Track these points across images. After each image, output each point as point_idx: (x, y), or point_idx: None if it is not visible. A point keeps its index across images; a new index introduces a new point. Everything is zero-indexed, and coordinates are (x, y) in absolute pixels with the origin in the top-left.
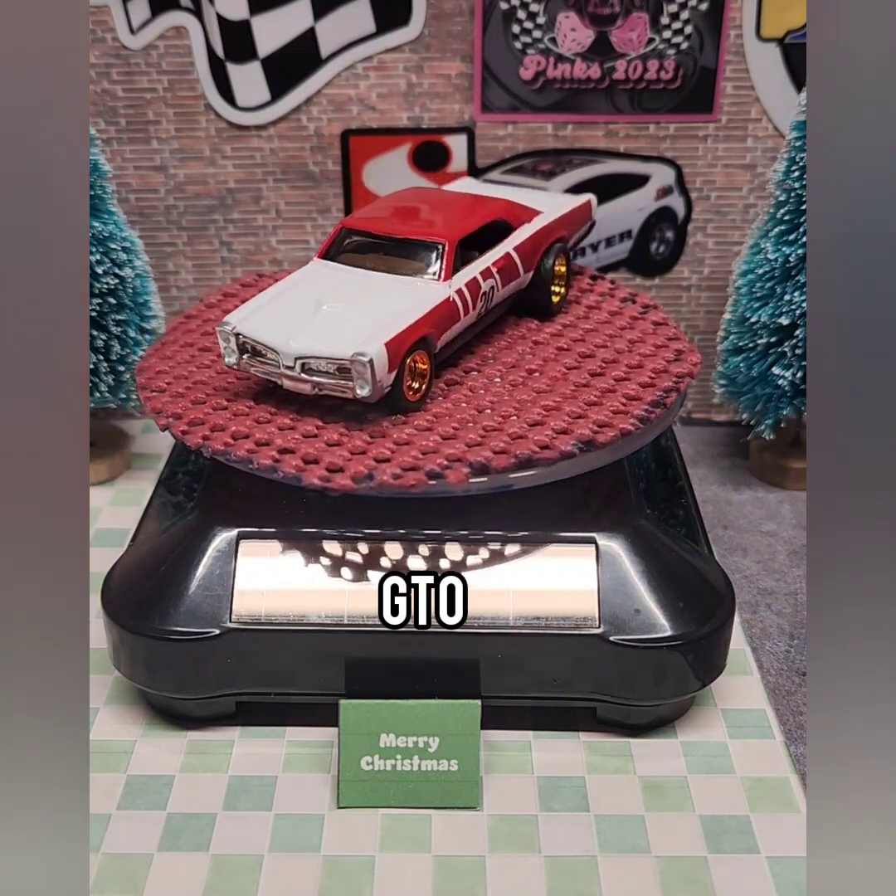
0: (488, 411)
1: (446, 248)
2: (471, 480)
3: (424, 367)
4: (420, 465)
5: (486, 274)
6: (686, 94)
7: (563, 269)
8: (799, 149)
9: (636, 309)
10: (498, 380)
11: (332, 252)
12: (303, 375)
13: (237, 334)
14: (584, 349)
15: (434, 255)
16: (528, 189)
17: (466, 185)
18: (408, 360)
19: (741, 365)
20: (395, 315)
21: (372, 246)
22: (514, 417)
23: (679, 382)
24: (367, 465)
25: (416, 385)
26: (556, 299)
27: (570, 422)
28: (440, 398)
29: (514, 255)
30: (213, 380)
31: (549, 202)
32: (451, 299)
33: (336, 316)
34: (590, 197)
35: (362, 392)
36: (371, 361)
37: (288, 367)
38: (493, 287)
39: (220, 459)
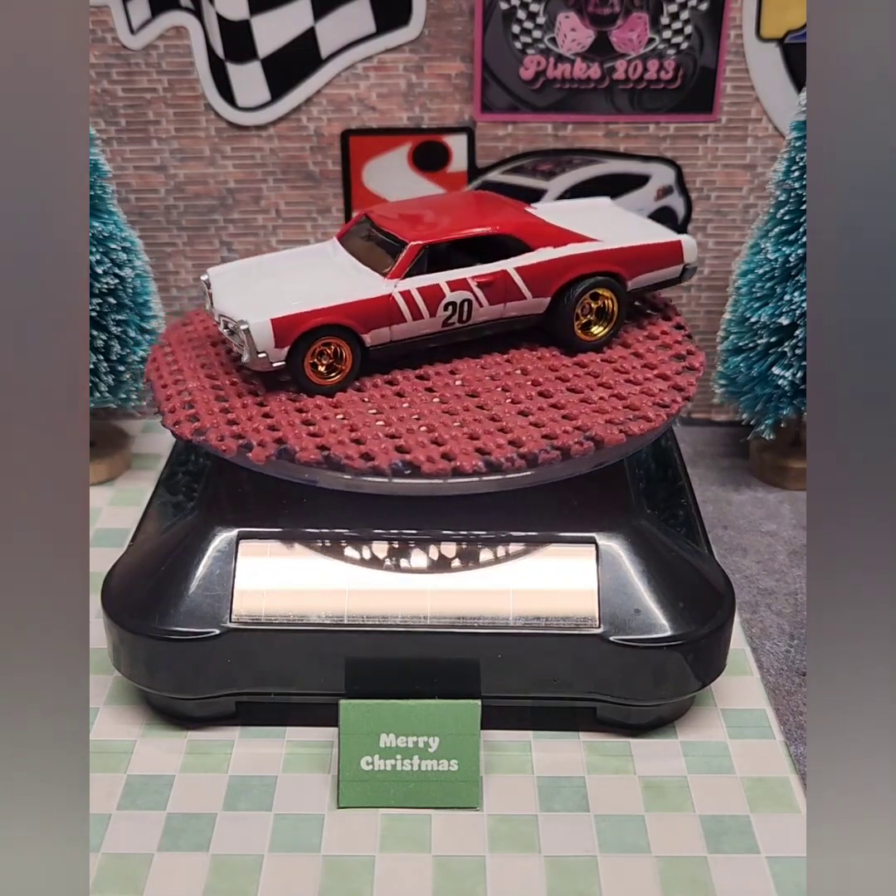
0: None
1: (407, 248)
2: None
3: (329, 352)
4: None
5: (458, 285)
6: (686, 94)
7: (609, 306)
8: (799, 149)
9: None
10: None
11: (345, 236)
12: (223, 331)
13: (207, 282)
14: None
15: (397, 253)
16: (629, 220)
17: (582, 206)
18: (314, 344)
19: (741, 365)
20: (307, 297)
21: (370, 237)
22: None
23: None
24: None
25: (323, 369)
26: (587, 337)
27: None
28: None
29: (516, 275)
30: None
31: (621, 232)
32: (392, 298)
33: (276, 287)
34: (681, 238)
35: (243, 358)
36: (247, 331)
37: (216, 320)
38: (468, 301)
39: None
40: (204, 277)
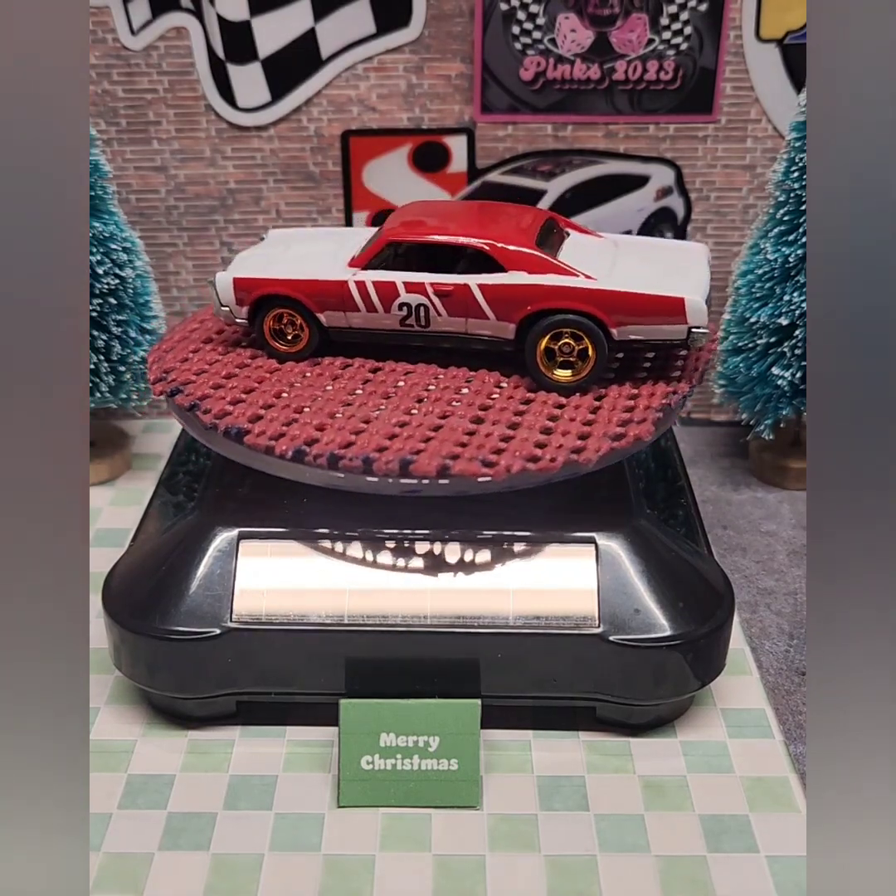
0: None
1: (376, 239)
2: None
3: (288, 322)
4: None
5: (414, 288)
6: (686, 95)
7: (583, 349)
8: (798, 149)
9: None
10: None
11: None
12: None
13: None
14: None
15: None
16: (673, 270)
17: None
18: (273, 310)
19: (740, 365)
20: (277, 266)
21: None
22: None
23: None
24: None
25: (279, 341)
26: (553, 377)
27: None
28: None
29: (478, 292)
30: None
31: (632, 277)
32: (347, 284)
33: (277, 254)
34: (685, 296)
35: (214, 309)
36: (212, 283)
37: None
38: (425, 307)
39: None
40: (263, 236)
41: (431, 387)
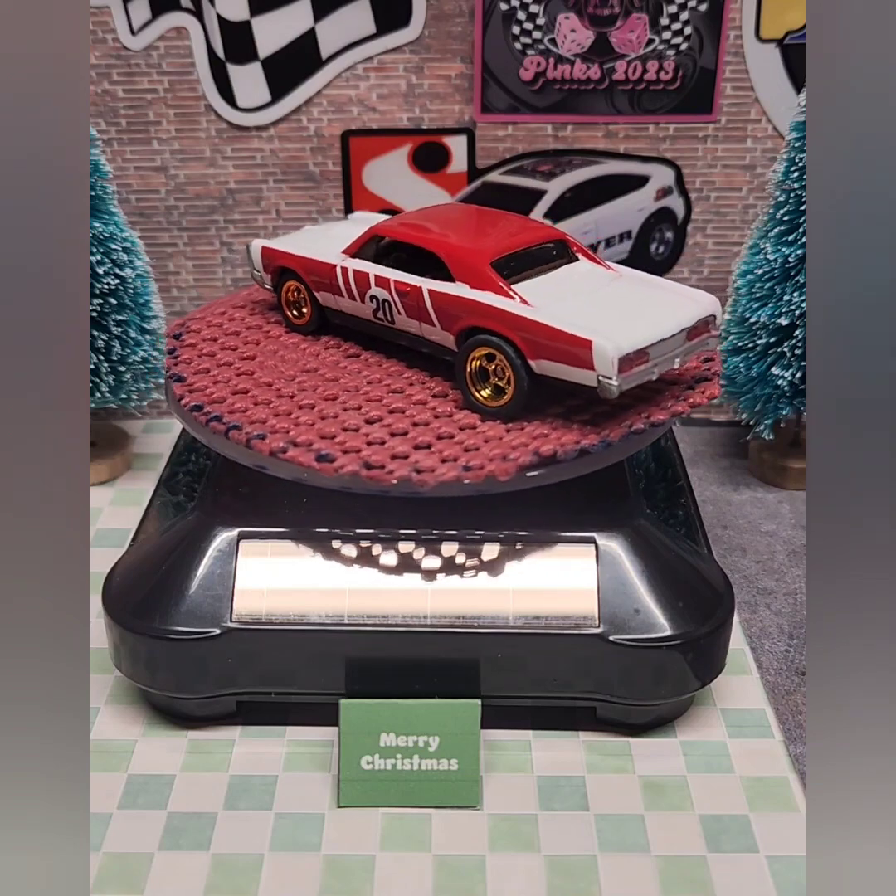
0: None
1: (366, 233)
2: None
3: (298, 295)
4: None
5: (381, 283)
6: (685, 95)
7: (503, 371)
8: (798, 149)
9: None
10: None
11: None
12: None
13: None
14: None
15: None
16: (630, 307)
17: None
18: (285, 282)
19: (740, 365)
20: (297, 240)
21: None
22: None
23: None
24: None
25: (291, 311)
26: (475, 397)
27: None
28: None
29: (427, 297)
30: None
31: (573, 312)
32: (334, 268)
33: (315, 233)
34: (593, 339)
35: (251, 274)
36: (248, 248)
37: None
38: (388, 302)
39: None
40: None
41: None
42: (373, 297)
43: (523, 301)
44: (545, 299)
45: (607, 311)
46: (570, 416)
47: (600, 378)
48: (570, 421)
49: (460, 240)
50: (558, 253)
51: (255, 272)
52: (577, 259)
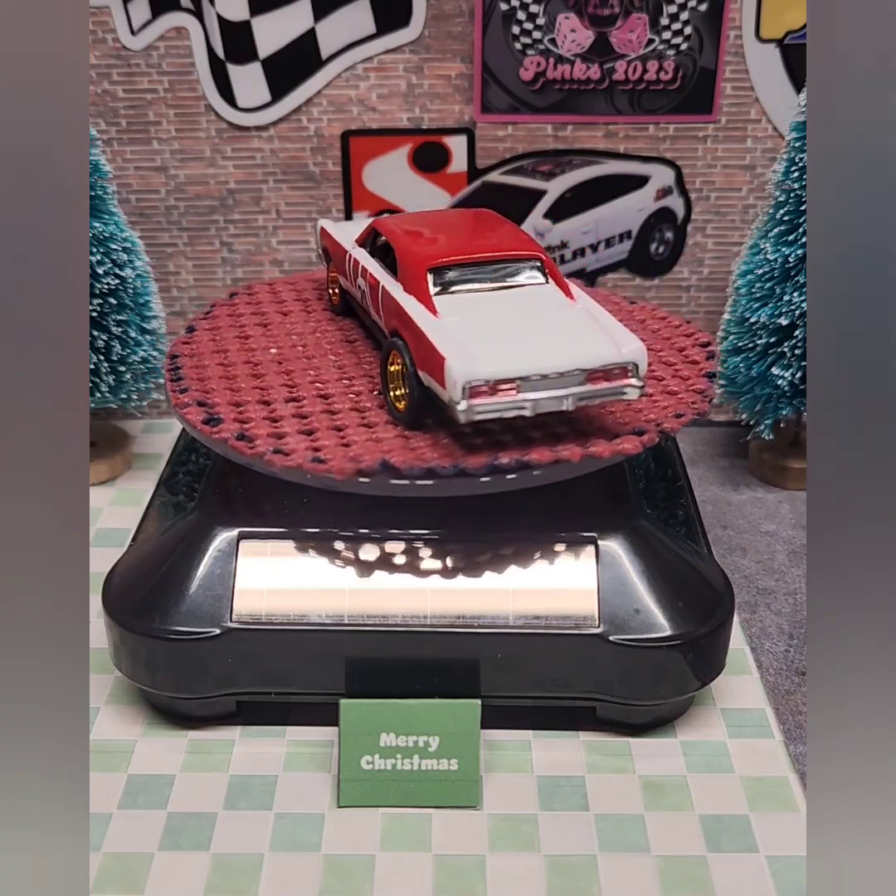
0: None
1: (369, 225)
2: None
3: (332, 275)
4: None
5: (363, 273)
6: (685, 95)
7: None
8: (798, 149)
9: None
10: None
11: None
12: None
13: None
14: None
15: None
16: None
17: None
18: (328, 262)
19: (740, 365)
20: (343, 226)
21: None
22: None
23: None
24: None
25: (330, 289)
26: (388, 397)
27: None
28: None
29: (381, 293)
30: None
31: (462, 326)
32: (348, 255)
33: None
34: (447, 357)
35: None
36: (315, 226)
37: None
38: (364, 293)
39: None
40: None
41: None
42: (359, 285)
43: (433, 311)
44: (460, 314)
45: (510, 335)
46: (477, 436)
47: (450, 399)
48: (469, 441)
49: (419, 242)
50: (520, 272)
51: (317, 251)
52: (546, 282)
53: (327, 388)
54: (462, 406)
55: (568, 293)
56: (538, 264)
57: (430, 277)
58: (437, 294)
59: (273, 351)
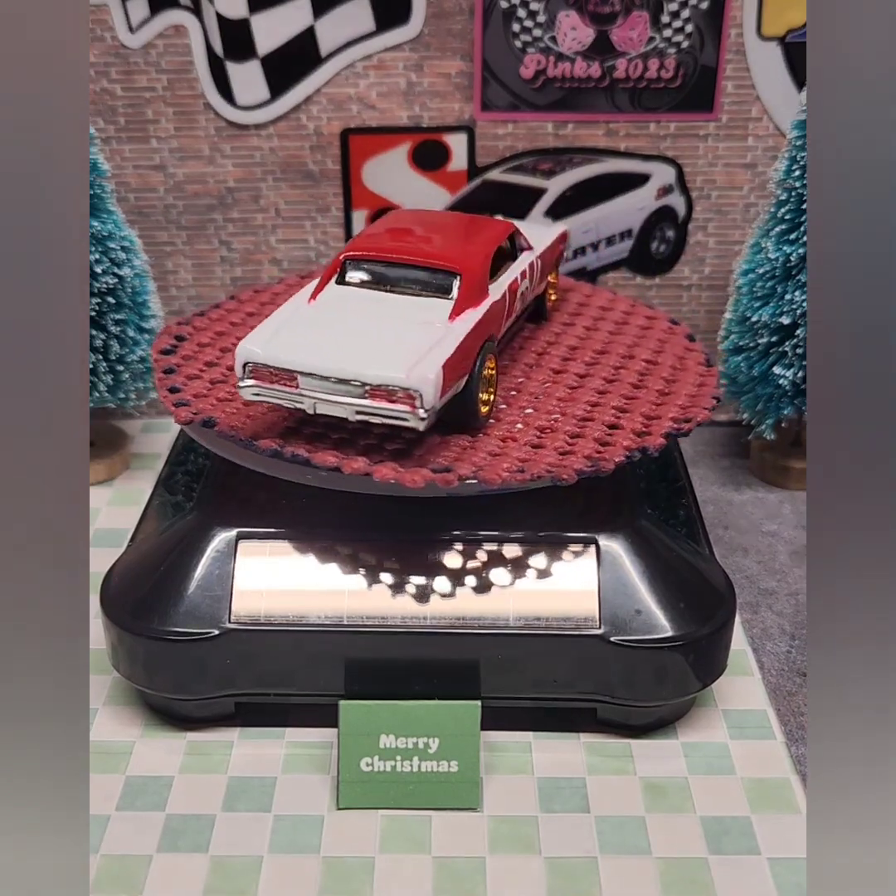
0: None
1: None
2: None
3: None
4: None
5: None
6: (687, 93)
7: None
8: (800, 148)
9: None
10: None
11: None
12: None
13: None
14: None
15: None
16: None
17: None
18: None
19: (742, 364)
20: None
21: None
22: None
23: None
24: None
25: None
26: None
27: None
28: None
29: None
30: None
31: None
32: None
33: None
34: (244, 339)
35: None
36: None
37: None
38: None
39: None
40: None
41: None
42: None
43: (312, 297)
44: (329, 306)
45: (338, 335)
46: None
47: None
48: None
49: (371, 232)
50: (432, 282)
51: None
52: (448, 296)
53: None
54: (242, 384)
55: (456, 312)
56: (455, 278)
57: (343, 267)
58: (337, 282)
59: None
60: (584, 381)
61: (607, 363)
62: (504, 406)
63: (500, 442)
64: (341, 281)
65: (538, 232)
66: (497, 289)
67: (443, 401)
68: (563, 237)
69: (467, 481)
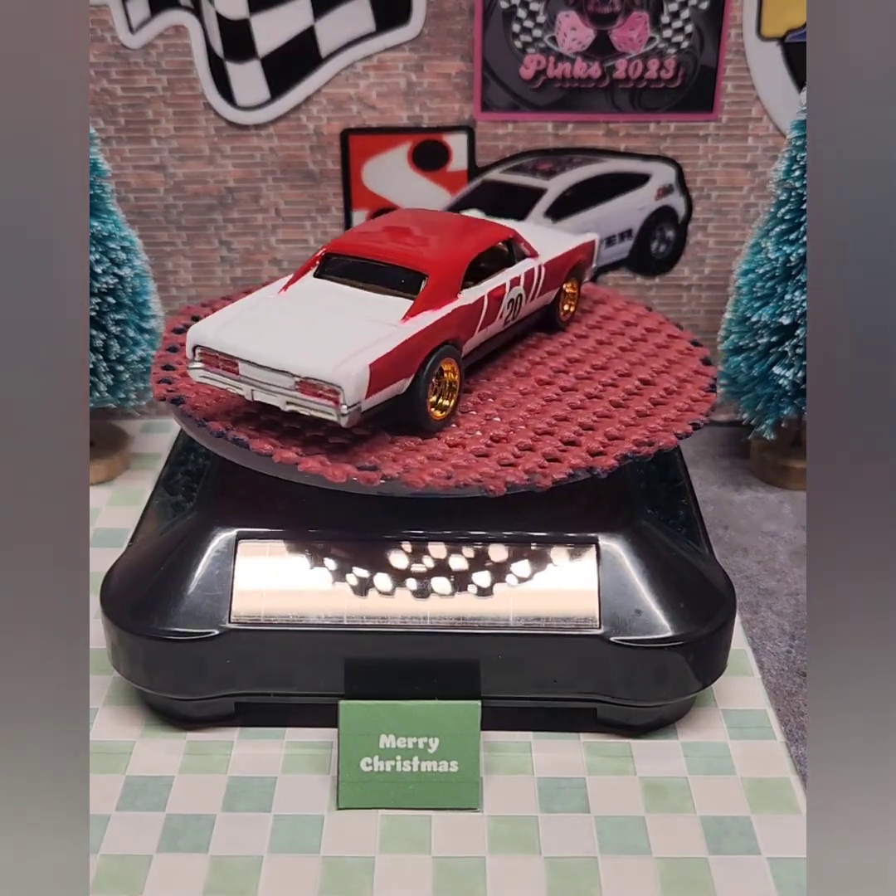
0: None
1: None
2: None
3: None
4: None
5: None
6: (686, 93)
7: None
8: (800, 148)
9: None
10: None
11: None
12: None
13: None
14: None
15: None
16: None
17: None
18: None
19: (742, 364)
20: None
21: None
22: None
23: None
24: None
25: None
26: None
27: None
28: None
29: None
30: None
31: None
32: None
33: None
34: (198, 322)
35: None
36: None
37: None
38: None
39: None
40: None
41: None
42: None
43: (285, 287)
44: (298, 297)
45: (292, 326)
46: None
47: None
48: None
49: (360, 229)
50: (401, 281)
51: None
52: (411, 296)
53: None
54: (191, 366)
55: (412, 313)
56: (423, 279)
57: (324, 261)
58: (316, 275)
59: None
60: (564, 394)
61: (599, 379)
62: (473, 412)
63: (447, 447)
64: (320, 274)
65: (556, 239)
66: (472, 294)
67: (374, 400)
68: (587, 247)
69: (390, 481)
